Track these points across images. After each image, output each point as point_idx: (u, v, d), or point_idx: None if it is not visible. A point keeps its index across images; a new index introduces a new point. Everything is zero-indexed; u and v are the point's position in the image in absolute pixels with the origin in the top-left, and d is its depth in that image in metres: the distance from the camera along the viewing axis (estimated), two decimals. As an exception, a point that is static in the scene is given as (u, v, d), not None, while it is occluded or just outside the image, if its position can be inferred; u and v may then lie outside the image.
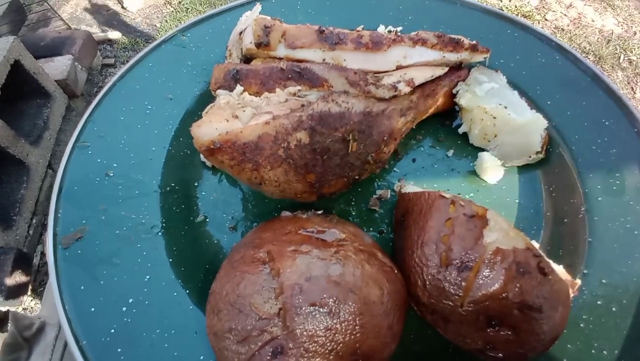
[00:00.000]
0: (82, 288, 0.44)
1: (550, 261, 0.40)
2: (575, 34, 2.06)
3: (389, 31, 0.77)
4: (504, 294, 0.37)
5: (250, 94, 0.54)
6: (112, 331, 0.42)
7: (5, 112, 1.29)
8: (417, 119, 0.62)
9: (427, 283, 0.39)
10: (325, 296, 0.31)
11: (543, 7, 2.22)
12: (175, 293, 0.47)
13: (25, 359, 0.55)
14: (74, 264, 0.46)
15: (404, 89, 0.58)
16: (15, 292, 1.22)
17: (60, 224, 0.49)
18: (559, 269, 0.42)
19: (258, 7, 0.70)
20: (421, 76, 0.62)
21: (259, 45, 0.59)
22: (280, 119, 0.45)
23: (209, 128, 0.43)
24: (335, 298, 0.31)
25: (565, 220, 0.57)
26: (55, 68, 1.61)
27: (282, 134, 0.44)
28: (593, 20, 2.10)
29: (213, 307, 0.35)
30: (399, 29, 0.76)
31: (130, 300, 0.45)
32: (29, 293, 1.31)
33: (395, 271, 0.40)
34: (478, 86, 0.63)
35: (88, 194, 0.52)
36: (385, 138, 0.55)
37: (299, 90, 0.54)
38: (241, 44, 0.66)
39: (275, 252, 0.36)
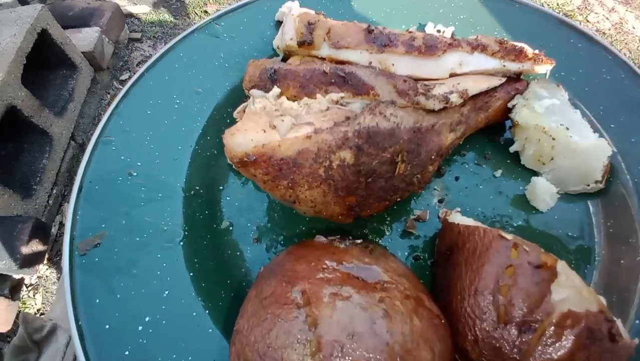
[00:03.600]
0: (98, 301, 0.41)
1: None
2: (617, 39, 1.97)
3: (438, 31, 0.70)
4: (570, 364, 0.32)
5: (287, 98, 0.49)
6: (127, 353, 0.39)
7: (30, 81, 1.27)
8: (466, 134, 0.56)
9: (480, 339, 0.34)
10: (371, 359, 0.27)
11: (585, 7, 2.14)
12: (195, 313, 0.43)
13: None
14: (90, 274, 0.43)
15: (456, 100, 0.52)
16: (31, 261, 1.22)
17: (78, 227, 0.45)
18: (620, 327, 0.37)
19: (295, 3, 0.65)
20: (476, 86, 0.55)
21: (301, 43, 0.53)
22: (323, 134, 0.40)
23: (244, 138, 0.39)
24: (382, 363, 0.27)
25: (622, 261, 0.51)
26: (83, 39, 1.59)
27: (324, 151, 0.39)
28: (634, 27, 2.02)
29: (239, 353, 0.31)
30: (451, 29, 0.70)
31: (147, 318, 0.41)
32: (45, 262, 1.32)
33: (443, 321, 0.35)
34: (537, 101, 0.56)
35: (109, 195, 0.48)
36: (432, 157, 0.49)
37: (342, 97, 0.49)
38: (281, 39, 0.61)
39: (311, 293, 0.31)
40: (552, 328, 0.32)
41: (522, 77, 0.60)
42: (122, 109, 0.55)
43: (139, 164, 0.52)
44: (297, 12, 0.60)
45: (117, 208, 0.48)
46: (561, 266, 0.34)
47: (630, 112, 0.59)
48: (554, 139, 0.54)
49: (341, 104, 0.49)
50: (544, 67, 0.58)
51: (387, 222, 0.55)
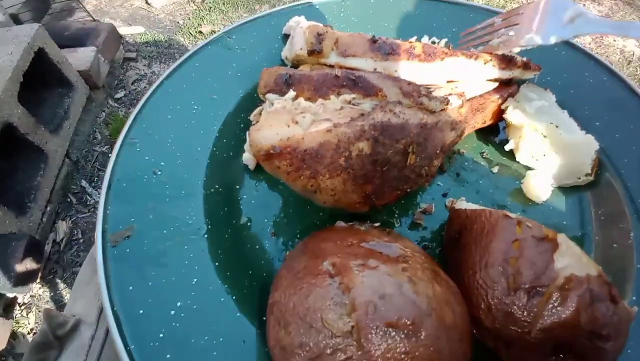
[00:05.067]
0: (131, 288, 0.44)
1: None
2: (597, 52, 2.06)
3: (433, 42, 0.76)
4: (575, 323, 0.35)
5: (302, 100, 0.53)
6: (161, 335, 0.41)
7: (26, 99, 1.29)
8: (465, 133, 0.61)
9: (493, 306, 0.38)
10: (402, 316, 0.30)
11: None
12: (222, 299, 0.46)
13: (54, 359, 0.54)
14: (122, 263, 0.45)
15: (455, 102, 0.57)
16: (25, 279, 1.22)
17: (109, 221, 0.48)
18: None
19: (302, 18, 0.70)
20: (472, 90, 0.61)
21: (311, 52, 0.58)
22: (342, 128, 0.44)
23: (270, 133, 0.43)
24: (412, 320, 0.30)
25: (615, 245, 0.55)
26: (79, 59, 1.63)
27: (344, 142, 0.43)
28: (615, 40, 2.11)
29: (279, 319, 0.34)
30: (444, 40, 0.76)
31: (179, 303, 0.44)
32: (38, 280, 1.31)
33: (459, 293, 0.38)
34: (528, 103, 0.62)
35: (137, 192, 0.51)
36: (437, 151, 0.54)
37: (354, 98, 0.54)
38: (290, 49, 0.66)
39: (340, 265, 0.35)
40: (558, 291, 0.36)
41: (513, 82, 0.65)
42: (145, 114, 0.59)
43: (163, 163, 0.55)
44: (305, 25, 0.65)
45: (144, 203, 0.51)
46: (562, 238, 0.38)
47: (613, 110, 0.65)
48: (545, 136, 0.58)
49: (353, 104, 0.53)
50: (532, 73, 0.64)
51: (396, 215, 0.59)
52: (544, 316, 0.36)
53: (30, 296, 1.31)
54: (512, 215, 0.41)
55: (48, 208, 1.41)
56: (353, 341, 0.30)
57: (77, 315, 0.55)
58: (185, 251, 0.48)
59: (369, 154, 0.44)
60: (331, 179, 0.44)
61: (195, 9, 2.31)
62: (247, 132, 0.59)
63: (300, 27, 0.66)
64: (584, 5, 2.25)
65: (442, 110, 0.56)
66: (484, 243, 0.41)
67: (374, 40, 0.61)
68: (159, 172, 0.54)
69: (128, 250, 0.46)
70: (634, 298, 0.49)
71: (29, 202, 1.31)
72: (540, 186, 0.59)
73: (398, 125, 0.46)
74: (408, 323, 0.29)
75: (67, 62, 1.50)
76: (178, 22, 2.25)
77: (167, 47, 2.11)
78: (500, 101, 0.63)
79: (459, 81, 0.62)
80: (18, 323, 1.27)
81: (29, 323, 1.28)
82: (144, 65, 2.01)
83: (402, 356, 0.29)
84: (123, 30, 2.10)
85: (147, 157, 0.55)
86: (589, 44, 2.09)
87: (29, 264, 1.22)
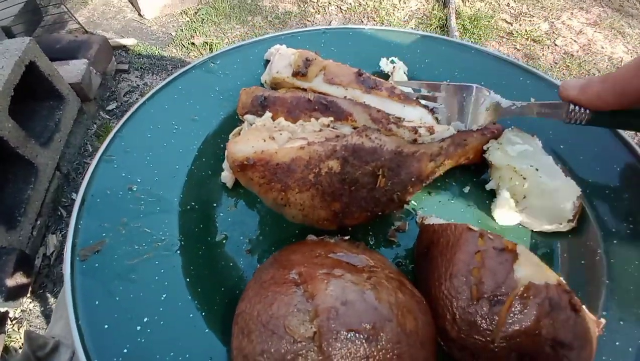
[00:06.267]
0: (97, 303, 0.43)
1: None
2: (585, 60, 2.08)
3: (392, 62, 0.80)
4: (537, 331, 0.36)
5: (276, 121, 0.55)
6: (125, 351, 0.40)
7: (17, 112, 1.29)
8: (445, 166, 0.61)
9: (457, 316, 0.38)
10: (363, 321, 0.30)
11: (553, 32, 2.26)
12: (191, 315, 0.45)
13: None
14: (90, 278, 0.45)
15: (424, 133, 0.59)
16: (15, 293, 1.21)
17: (80, 236, 0.48)
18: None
19: (283, 46, 0.74)
20: (441, 127, 0.62)
21: (296, 74, 0.62)
22: (315, 146, 0.46)
23: (246, 145, 0.44)
24: (373, 325, 0.30)
25: (583, 262, 0.57)
26: (70, 71, 1.64)
27: (314, 160, 0.45)
28: (603, 47, 2.15)
29: (242, 328, 0.34)
30: (399, 64, 0.78)
31: (145, 319, 0.43)
32: (29, 295, 1.29)
33: (424, 302, 0.39)
34: (511, 146, 0.60)
35: (110, 207, 0.51)
36: (412, 179, 0.54)
37: (332, 121, 0.56)
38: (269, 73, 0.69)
39: (306, 274, 0.35)
40: (518, 299, 0.37)
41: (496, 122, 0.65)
42: (124, 133, 0.60)
43: (139, 180, 0.56)
44: (284, 52, 0.69)
45: (117, 218, 0.51)
46: (520, 248, 0.40)
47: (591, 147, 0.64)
48: (524, 178, 0.57)
49: (333, 127, 0.56)
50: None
51: (371, 233, 0.60)
52: (506, 324, 0.36)
53: (21, 310, 1.29)
54: (475, 228, 0.43)
55: (38, 222, 1.38)
56: (314, 346, 0.30)
57: (56, 336, 0.54)
58: (156, 267, 0.48)
59: (338, 172, 0.46)
60: (300, 194, 0.45)
61: (188, 21, 2.33)
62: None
63: (279, 53, 0.69)
64: (572, 13, 2.31)
65: (418, 142, 0.58)
66: (449, 255, 0.42)
67: (360, 74, 0.64)
68: (135, 188, 0.54)
69: (97, 265, 0.46)
70: (604, 313, 0.49)
71: (19, 216, 1.29)
72: (506, 210, 0.59)
73: (370, 148, 0.48)
74: (368, 327, 0.30)
75: (58, 74, 1.51)
76: (171, 34, 2.26)
77: (159, 58, 2.12)
78: (482, 140, 0.62)
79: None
80: (10, 337, 1.25)
81: (20, 338, 1.25)
82: (137, 77, 2.02)
83: (362, 360, 0.29)
84: (115, 42, 2.09)
85: (123, 174, 0.55)
86: (577, 51, 2.12)
87: (19, 279, 1.21)
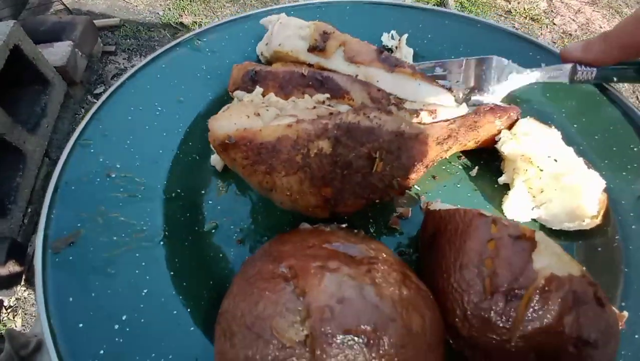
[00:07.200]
0: (71, 299, 0.39)
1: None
2: (583, 39, 2.09)
3: (392, 37, 0.74)
4: (559, 329, 0.32)
5: (269, 98, 0.50)
6: (102, 352, 0.36)
7: (2, 98, 1.26)
8: (453, 149, 0.56)
9: (469, 312, 0.34)
10: (361, 322, 0.26)
11: (552, 11, 2.25)
12: (175, 312, 0.41)
13: None
14: (64, 272, 0.41)
15: (426, 117, 0.54)
16: (9, 282, 1.20)
17: (52, 227, 0.43)
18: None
19: (283, 14, 0.68)
20: (445, 111, 0.57)
21: (313, 48, 0.56)
22: (304, 124, 0.41)
23: (228, 122, 0.40)
24: (373, 326, 0.26)
25: (599, 249, 0.53)
26: (55, 54, 1.57)
27: (303, 139, 0.40)
28: (601, 27, 2.13)
29: (224, 330, 0.30)
30: (405, 36, 0.73)
31: (124, 317, 0.39)
32: (22, 283, 1.28)
33: (431, 297, 0.35)
34: (525, 136, 0.54)
35: (86, 195, 0.47)
36: (415, 164, 0.49)
37: (328, 98, 0.51)
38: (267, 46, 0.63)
39: (298, 268, 0.31)
40: (538, 293, 0.32)
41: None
42: (102, 115, 0.55)
43: (118, 166, 0.51)
44: (286, 22, 0.63)
45: (94, 208, 0.46)
46: (539, 235, 0.35)
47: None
48: (541, 170, 0.51)
49: (329, 105, 0.50)
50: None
51: (371, 220, 0.56)
52: (524, 321, 0.32)
53: (16, 299, 1.28)
54: (487, 213, 0.39)
55: (29, 210, 1.36)
56: (306, 353, 0.26)
57: (38, 335, 0.51)
58: (137, 260, 0.44)
59: (329, 154, 0.41)
60: (287, 177, 0.40)
61: (176, -1, 2.24)
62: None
63: (280, 23, 0.63)
64: (566, 17, 2.29)
65: (428, 123, 0.52)
66: (458, 243, 0.38)
67: (380, 51, 0.59)
68: (114, 175, 0.50)
69: (71, 258, 0.42)
70: (623, 303, 0.46)
71: (9, 204, 1.27)
72: (520, 207, 0.54)
73: (366, 128, 0.43)
74: (368, 329, 0.26)
75: (42, 58, 1.45)
76: (158, 13, 2.16)
77: (147, 39, 2.03)
78: (496, 122, 0.56)
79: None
80: (5, 326, 1.25)
81: (15, 326, 1.25)
82: (124, 59, 1.94)
83: (361, 368, 0.25)
84: (100, 23, 2.00)
85: (101, 159, 0.51)
86: (575, 30, 2.09)
87: (12, 267, 1.20)
